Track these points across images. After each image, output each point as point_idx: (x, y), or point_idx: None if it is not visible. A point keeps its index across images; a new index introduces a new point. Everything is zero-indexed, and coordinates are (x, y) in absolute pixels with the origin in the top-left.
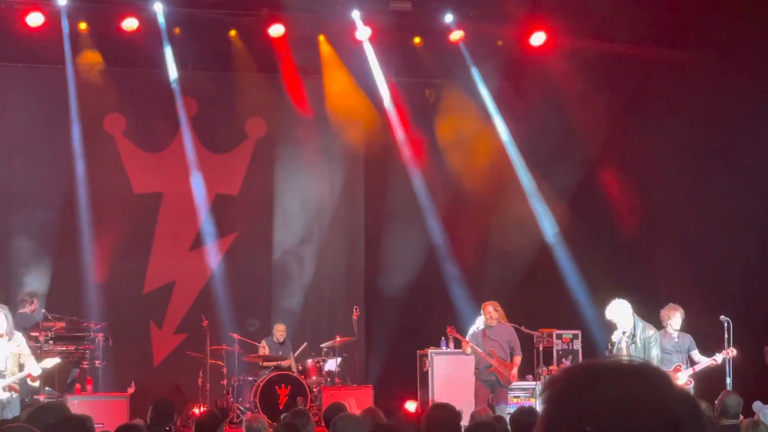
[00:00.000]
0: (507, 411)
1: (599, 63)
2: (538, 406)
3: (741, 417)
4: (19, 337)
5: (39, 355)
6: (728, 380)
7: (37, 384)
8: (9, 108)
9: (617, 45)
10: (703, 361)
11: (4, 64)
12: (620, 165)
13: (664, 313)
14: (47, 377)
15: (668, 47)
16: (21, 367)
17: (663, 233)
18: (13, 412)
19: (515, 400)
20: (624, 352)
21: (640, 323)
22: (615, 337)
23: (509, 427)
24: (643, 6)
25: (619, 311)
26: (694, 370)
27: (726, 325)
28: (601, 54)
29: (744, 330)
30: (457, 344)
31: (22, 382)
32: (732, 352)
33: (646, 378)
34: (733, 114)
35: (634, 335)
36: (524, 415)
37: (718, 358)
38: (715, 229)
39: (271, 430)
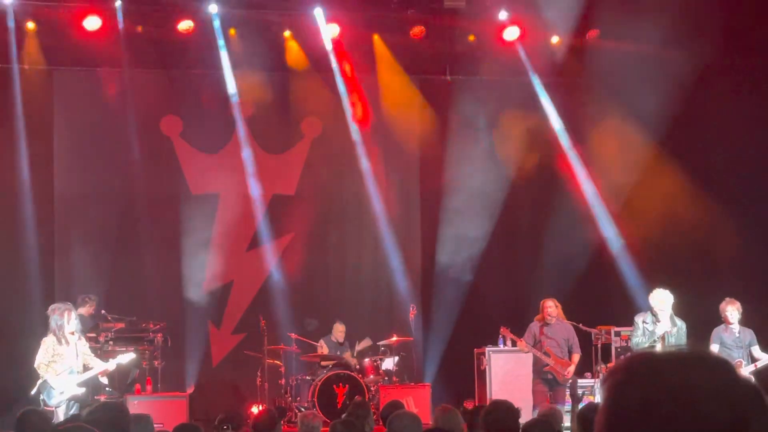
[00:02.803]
0: (566, 410)
1: (655, 60)
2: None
3: None
4: (83, 339)
5: (99, 355)
6: None
7: (106, 380)
8: (68, 111)
9: (671, 45)
10: (765, 358)
11: (63, 68)
12: (679, 160)
13: (721, 307)
14: (119, 374)
15: (722, 45)
16: (84, 368)
17: (722, 228)
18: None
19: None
20: (667, 341)
21: (673, 314)
22: (660, 329)
23: (577, 423)
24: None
25: (666, 300)
26: (755, 366)
27: None
28: (656, 51)
29: None
30: (514, 343)
31: (93, 378)
32: None
33: (709, 367)
34: None
35: (673, 325)
36: (591, 411)
37: None
38: None
39: (326, 429)
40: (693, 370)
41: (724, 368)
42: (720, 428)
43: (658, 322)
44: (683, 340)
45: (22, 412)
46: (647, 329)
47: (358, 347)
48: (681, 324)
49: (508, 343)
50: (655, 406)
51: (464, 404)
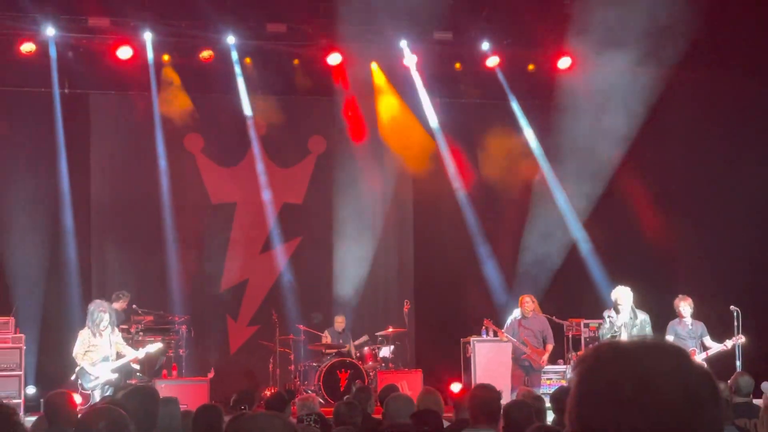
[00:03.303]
0: (541, 392)
1: (621, 82)
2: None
3: (750, 396)
4: (116, 331)
5: (131, 344)
6: (738, 363)
7: (137, 366)
8: (103, 130)
9: (637, 66)
10: (715, 347)
11: (98, 92)
12: (641, 169)
13: (675, 302)
14: (148, 361)
15: (681, 68)
16: (117, 356)
17: (679, 231)
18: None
19: (548, 381)
20: (628, 332)
21: (634, 307)
22: (620, 320)
23: (550, 405)
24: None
25: (625, 295)
26: (707, 354)
27: (735, 314)
28: (622, 74)
29: (751, 318)
30: (496, 333)
31: (126, 365)
32: (741, 338)
33: (667, 354)
34: (745, 123)
35: (634, 317)
36: (564, 394)
37: (728, 344)
38: (725, 229)
39: (331, 409)
40: (654, 357)
41: (681, 355)
42: (677, 408)
43: (619, 314)
44: (646, 330)
45: (49, 396)
46: (612, 322)
47: (357, 342)
48: (644, 317)
49: (491, 333)
50: (619, 388)
51: (451, 387)
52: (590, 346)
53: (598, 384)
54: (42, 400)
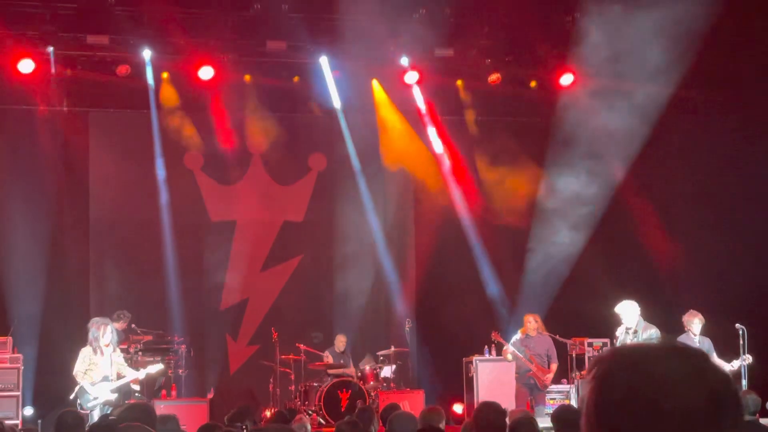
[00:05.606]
0: (545, 412)
1: (621, 100)
2: (579, 399)
3: (756, 415)
4: (117, 350)
5: (130, 365)
6: (744, 382)
7: (138, 387)
8: (103, 147)
9: (635, 84)
10: (723, 365)
11: (98, 110)
12: (643, 187)
13: (685, 318)
14: (148, 382)
15: (683, 87)
16: (117, 376)
17: (683, 249)
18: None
19: (551, 401)
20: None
21: (643, 323)
22: (619, 332)
23: (552, 423)
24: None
25: (626, 309)
26: None
27: (741, 332)
28: (622, 91)
29: (757, 336)
30: (499, 351)
31: (125, 385)
32: (748, 358)
33: (687, 357)
34: (749, 140)
35: (636, 332)
36: (565, 412)
37: (735, 364)
38: (731, 246)
39: (332, 429)
40: (672, 360)
41: (699, 358)
42: (697, 411)
43: (623, 329)
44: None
45: (60, 414)
46: (619, 338)
47: (360, 365)
48: (651, 331)
49: (493, 352)
50: (639, 391)
51: (453, 408)
52: (605, 349)
53: (617, 387)
54: (40, 420)
